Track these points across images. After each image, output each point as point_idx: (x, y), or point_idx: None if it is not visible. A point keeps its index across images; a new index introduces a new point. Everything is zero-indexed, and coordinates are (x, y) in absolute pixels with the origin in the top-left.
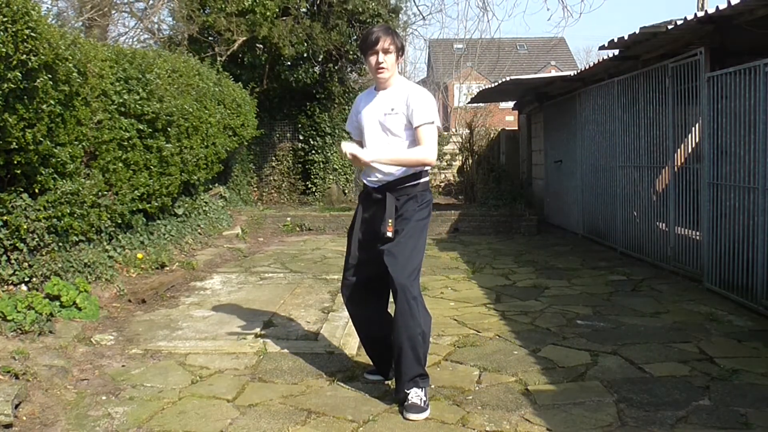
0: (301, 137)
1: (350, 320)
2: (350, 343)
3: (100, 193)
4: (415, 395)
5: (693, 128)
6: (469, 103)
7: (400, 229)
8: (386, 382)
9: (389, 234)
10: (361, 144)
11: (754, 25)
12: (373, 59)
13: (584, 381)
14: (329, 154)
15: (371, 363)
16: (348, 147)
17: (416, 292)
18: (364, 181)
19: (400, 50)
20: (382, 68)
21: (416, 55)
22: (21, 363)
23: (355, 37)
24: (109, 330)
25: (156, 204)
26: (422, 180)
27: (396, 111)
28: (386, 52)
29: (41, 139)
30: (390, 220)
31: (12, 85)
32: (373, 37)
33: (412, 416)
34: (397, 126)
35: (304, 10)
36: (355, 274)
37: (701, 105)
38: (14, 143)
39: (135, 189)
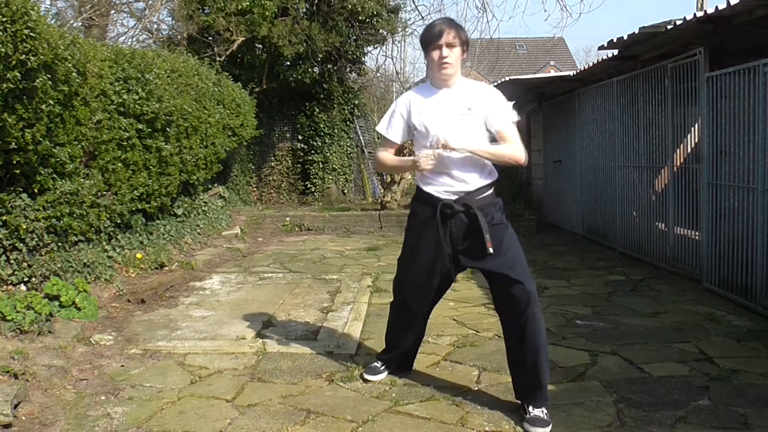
0: (300, 137)
1: (387, 330)
2: (349, 343)
3: (99, 193)
4: (540, 410)
5: (692, 128)
6: None
7: (499, 238)
8: (385, 379)
9: (491, 250)
10: (399, 152)
11: (754, 25)
12: (436, 54)
13: (583, 381)
14: (328, 154)
15: (376, 363)
16: (441, 142)
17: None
18: (432, 193)
19: (465, 44)
20: (447, 63)
21: (415, 55)
22: (20, 363)
23: (355, 36)
24: (108, 330)
25: (155, 204)
26: (493, 187)
27: (473, 110)
28: (451, 46)
29: (40, 139)
30: (488, 236)
31: (11, 85)
32: (436, 30)
33: (539, 430)
34: (476, 127)
35: (303, 10)
36: (418, 299)
37: (700, 105)
38: (13, 143)
39: (134, 189)
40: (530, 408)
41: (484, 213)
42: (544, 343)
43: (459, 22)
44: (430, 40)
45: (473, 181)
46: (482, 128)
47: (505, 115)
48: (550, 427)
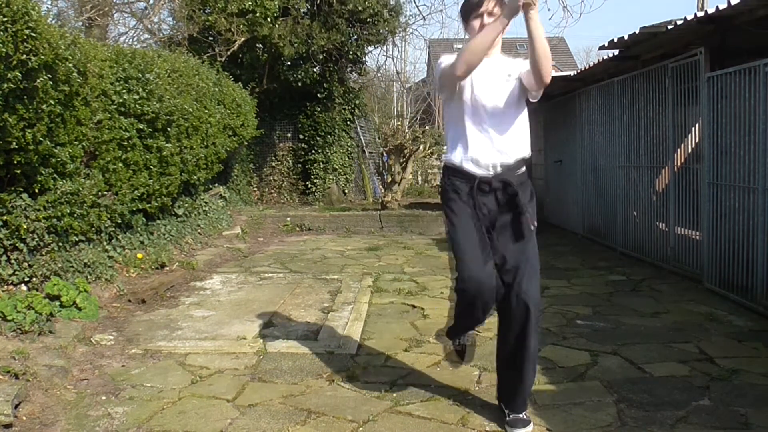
0: (301, 137)
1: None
2: (350, 343)
3: (100, 193)
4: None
5: (693, 128)
6: None
7: (523, 228)
8: (386, 379)
9: (534, 225)
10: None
11: (754, 25)
12: (476, 23)
13: (584, 381)
14: (329, 154)
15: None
16: None
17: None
18: (469, 170)
19: None
20: None
21: (416, 55)
22: (21, 363)
23: (355, 36)
24: (109, 330)
25: (156, 204)
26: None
27: (513, 77)
28: (491, 14)
29: (41, 139)
30: (527, 214)
31: (12, 85)
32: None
33: (521, 431)
34: (517, 94)
35: (304, 10)
36: (484, 261)
37: (701, 105)
38: (14, 143)
39: (135, 189)
40: (508, 412)
41: (521, 191)
42: (535, 353)
43: None
44: (470, 9)
45: (511, 151)
46: (520, 94)
47: None
48: (531, 425)
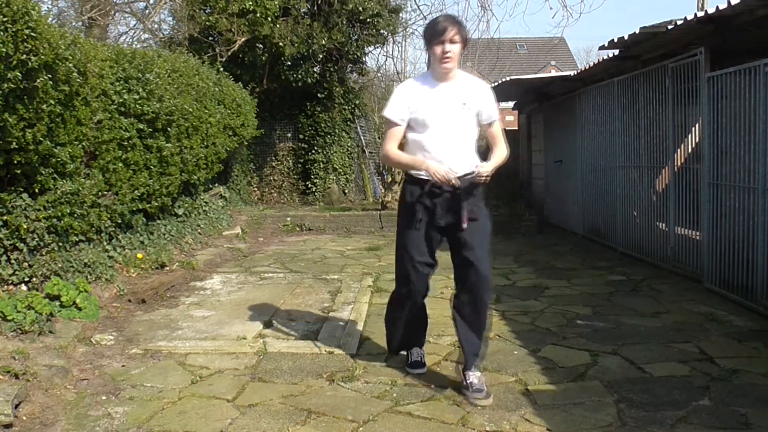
0: (301, 137)
1: (395, 318)
2: (350, 343)
3: (100, 193)
4: (475, 377)
5: (693, 128)
6: None
7: (476, 218)
8: (386, 379)
9: (465, 225)
10: (402, 145)
11: (754, 25)
12: (438, 49)
13: (584, 381)
14: (329, 154)
15: (405, 355)
16: (483, 168)
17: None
18: (422, 177)
19: (465, 41)
20: (448, 58)
21: (416, 55)
22: (21, 363)
23: (356, 36)
24: (109, 330)
25: (156, 204)
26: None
27: (468, 106)
28: (453, 42)
29: (41, 139)
30: (465, 212)
31: (12, 85)
32: (440, 27)
33: (481, 401)
34: (470, 121)
35: (304, 10)
36: (427, 266)
37: (701, 105)
38: (14, 143)
39: (135, 189)
40: (468, 374)
41: (466, 193)
42: (485, 325)
43: (460, 20)
44: (434, 35)
45: (461, 169)
46: (474, 122)
47: (496, 112)
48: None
